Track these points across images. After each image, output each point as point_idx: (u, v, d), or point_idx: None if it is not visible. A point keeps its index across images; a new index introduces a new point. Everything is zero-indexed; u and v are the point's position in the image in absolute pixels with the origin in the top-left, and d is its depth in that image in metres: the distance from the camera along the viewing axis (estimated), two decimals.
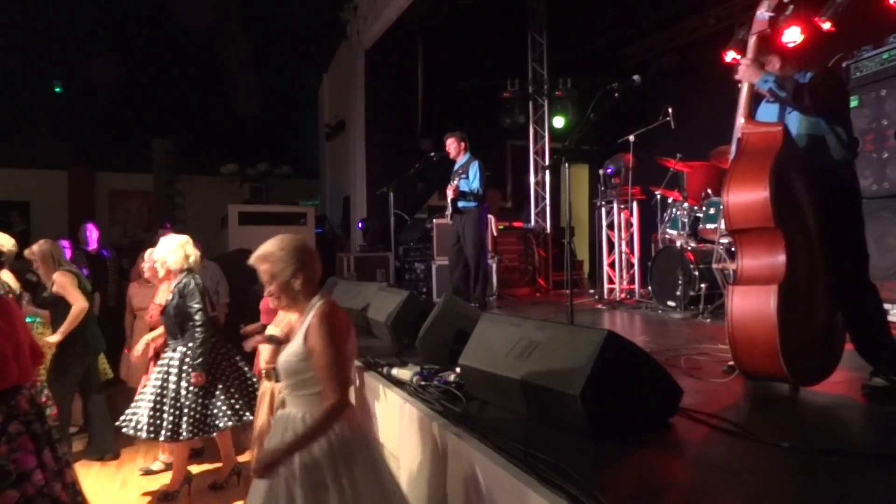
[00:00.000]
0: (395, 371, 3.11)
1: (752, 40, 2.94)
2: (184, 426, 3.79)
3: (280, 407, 2.38)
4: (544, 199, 9.67)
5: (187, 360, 3.91)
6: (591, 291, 7.65)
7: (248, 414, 3.98)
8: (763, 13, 2.89)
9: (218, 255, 7.94)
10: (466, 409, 2.50)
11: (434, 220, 7.37)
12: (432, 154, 6.58)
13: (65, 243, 6.16)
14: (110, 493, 4.22)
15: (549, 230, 9.33)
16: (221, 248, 9.10)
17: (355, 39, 10.28)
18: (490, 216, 7.22)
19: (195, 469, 4.42)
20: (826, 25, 6.28)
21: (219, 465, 4.38)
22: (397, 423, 2.87)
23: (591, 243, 9.60)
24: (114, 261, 7.22)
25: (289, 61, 12.01)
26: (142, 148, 11.03)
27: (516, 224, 9.00)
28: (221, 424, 3.90)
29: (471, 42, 9.23)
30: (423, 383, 2.86)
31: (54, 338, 4.49)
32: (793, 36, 6.41)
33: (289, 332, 2.60)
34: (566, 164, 3.82)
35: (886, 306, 3.10)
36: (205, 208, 11.22)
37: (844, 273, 2.75)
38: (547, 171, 9.46)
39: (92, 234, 6.86)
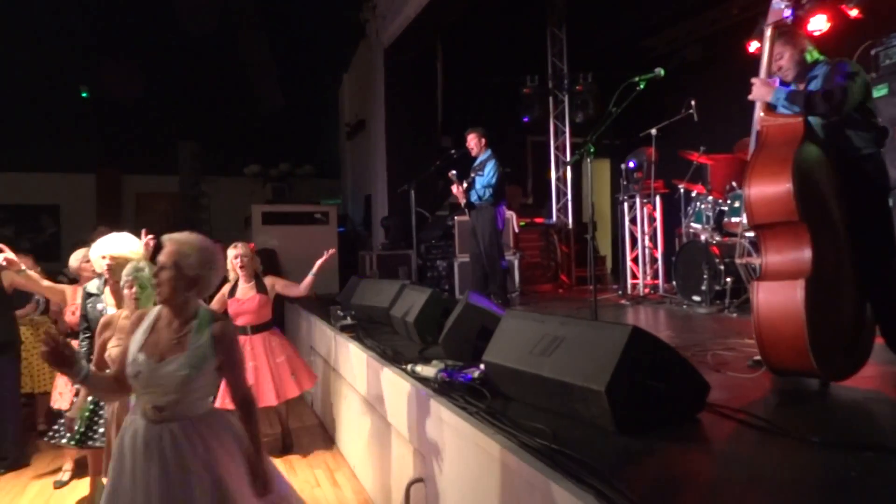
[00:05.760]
0: (419, 368, 3.12)
1: (769, 31, 2.88)
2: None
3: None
4: (566, 194, 9.62)
5: None
6: (615, 287, 7.60)
7: None
8: (779, 2, 2.84)
9: None
10: (491, 405, 2.50)
11: (455, 218, 7.37)
12: (452, 151, 6.57)
13: None
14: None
15: (571, 226, 9.28)
16: None
17: (374, 38, 10.31)
18: (511, 212, 7.20)
19: None
20: (853, 13, 6.15)
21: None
22: (422, 420, 2.89)
23: (613, 238, 9.52)
24: None
25: (309, 62, 12.10)
26: (167, 150, 11.23)
27: (538, 220, 8.96)
28: None
29: (490, 38, 9.21)
30: (447, 380, 2.87)
31: None
32: (819, 24, 6.29)
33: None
34: (588, 160, 3.79)
35: None
36: (229, 209, 11.37)
37: (871, 265, 2.70)
38: (568, 167, 9.41)
39: None
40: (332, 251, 4.65)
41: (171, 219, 12.22)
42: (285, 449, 4.77)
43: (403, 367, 3.30)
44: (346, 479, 4.29)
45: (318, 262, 4.62)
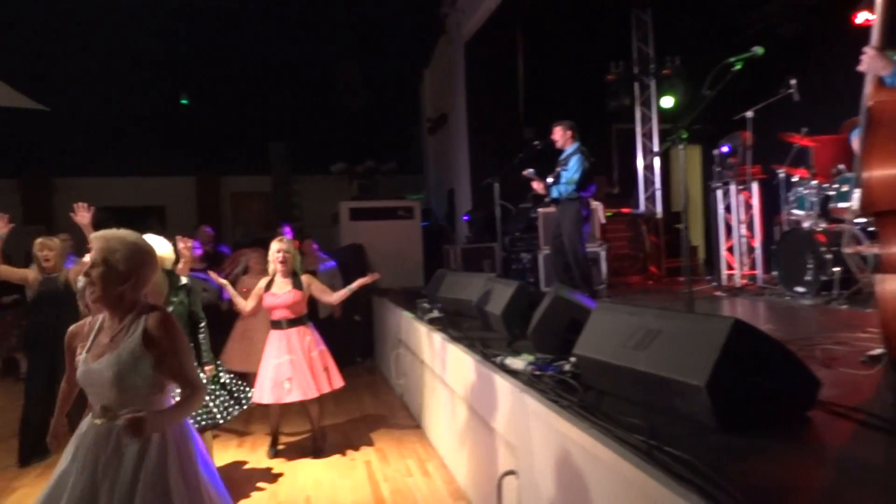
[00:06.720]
0: (508, 361, 3.13)
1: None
2: None
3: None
4: (653, 183, 9.31)
5: None
6: (708, 278, 7.29)
7: None
8: None
9: (331, 251, 8.31)
10: (583, 399, 2.47)
11: (539, 210, 7.30)
12: (536, 143, 6.51)
13: (196, 243, 6.68)
14: None
15: (660, 215, 8.97)
16: (334, 243, 9.52)
17: (454, 33, 10.36)
18: (597, 203, 7.05)
19: None
20: None
21: None
22: (512, 412, 2.89)
23: (706, 228, 9.13)
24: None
25: (390, 59, 12.33)
26: (259, 152, 11.79)
27: (624, 210, 8.73)
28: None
29: (571, 25, 9.02)
30: (537, 373, 2.86)
31: None
32: None
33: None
34: (681, 146, 3.65)
35: None
36: (318, 206, 11.79)
37: None
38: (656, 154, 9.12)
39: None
40: (375, 275, 4.80)
41: (264, 217, 12.84)
42: (317, 451, 4.72)
43: (493, 359, 3.31)
44: (437, 469, 4.36)
45: (358, 282, 4.71)
